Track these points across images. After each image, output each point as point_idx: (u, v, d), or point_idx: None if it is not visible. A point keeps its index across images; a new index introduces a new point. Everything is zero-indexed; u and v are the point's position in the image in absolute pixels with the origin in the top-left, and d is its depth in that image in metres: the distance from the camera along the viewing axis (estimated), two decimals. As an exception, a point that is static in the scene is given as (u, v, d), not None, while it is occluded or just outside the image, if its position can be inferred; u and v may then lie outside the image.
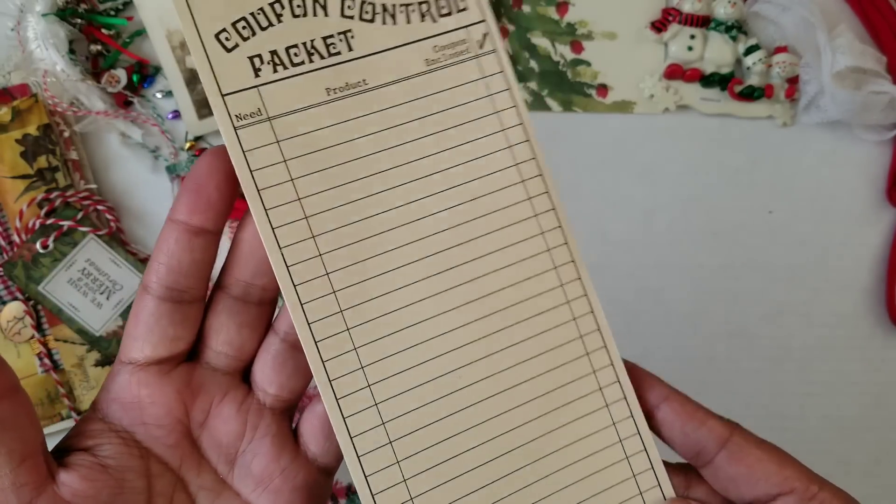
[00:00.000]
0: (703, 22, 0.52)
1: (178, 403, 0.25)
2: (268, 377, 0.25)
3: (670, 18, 0.52)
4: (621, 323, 0.55)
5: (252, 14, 0.23)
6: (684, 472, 0.28)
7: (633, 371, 0.27)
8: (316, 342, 0.23)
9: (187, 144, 0.49)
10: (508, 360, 0.25)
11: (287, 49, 0.23)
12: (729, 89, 0.52)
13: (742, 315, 0.54)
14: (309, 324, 0.23)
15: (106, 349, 0.46)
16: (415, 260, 0.24)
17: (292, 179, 0.23)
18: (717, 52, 0.52)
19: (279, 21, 0.23)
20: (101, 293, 0.47)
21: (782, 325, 0.53)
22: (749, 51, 0.52)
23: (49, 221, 0.46)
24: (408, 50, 0.24)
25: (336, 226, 0.23)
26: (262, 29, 0.23)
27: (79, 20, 0.48)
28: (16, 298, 0.46)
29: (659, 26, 0.52)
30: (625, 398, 0.26)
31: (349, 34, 0.23)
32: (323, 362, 0.23)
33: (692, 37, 0.52)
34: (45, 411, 0.46)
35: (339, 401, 0.23)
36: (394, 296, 0.24)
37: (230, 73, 0.22)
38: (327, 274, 0.23)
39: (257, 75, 0.23)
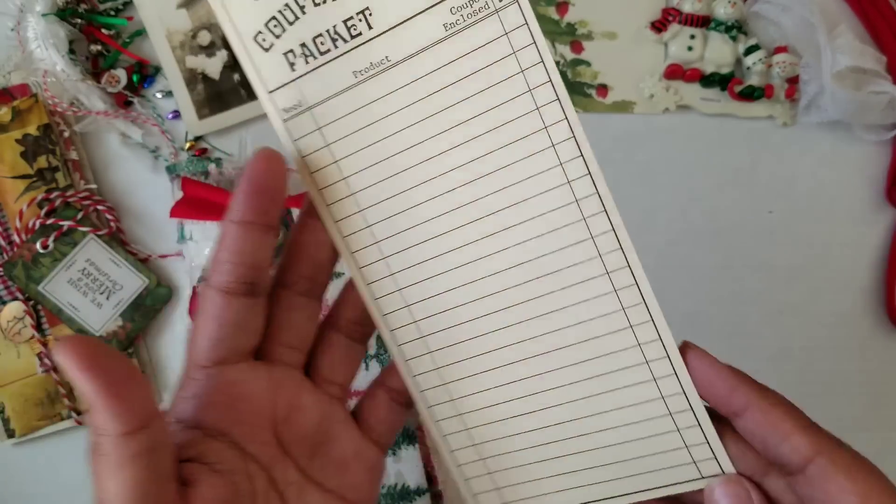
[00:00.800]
0: (703, 22, 0.52)
1: (267, 400, 0.25)
2: (336, 370, 0.27)
3: (670, 18, 0.52)
4: (621, 323, 0.55)
5: (279, 11, 0.24)
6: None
7: (713, 369, 0.27)
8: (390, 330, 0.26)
9: (187, 144, 0.49)
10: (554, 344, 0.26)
11: (314, 39, 0.24)
12: (729, 89, 0.52)
13: (742, 315, 0.53)
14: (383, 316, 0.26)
15: (106, 349, 0.46)
16: (455, 227, 0.25)
17: (336, 161, 0.24)
18: (717, 52, 0.52)
19: (303, 12, 0.24)
20: (101, 293, 0.47)
21: (782, 325, 0.53)
22: (749, 51, 0.52)
23: (49, 221, 0.46)
24: (425, 17, 0.23)
25: (380, 199, 0.25)
26: (290, 24, 0.24)
27: (79, 20, 0.48)
28: (16, 298, 0.46)
29: (659, 26, 0.52)
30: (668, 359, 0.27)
31: (367, 12, 0.24)
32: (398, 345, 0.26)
33: (692, 37, 0.52)
34: (45, 411, 0.46)
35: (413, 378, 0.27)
36: (435, 264, 0.25)
37: (271, 71, 0.24)
38: (377, 243, 0.25)
39: (293, 69, 0.24)
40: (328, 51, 0.24)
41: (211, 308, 0.24)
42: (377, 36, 0.24)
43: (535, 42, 0.23)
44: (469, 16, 0.23)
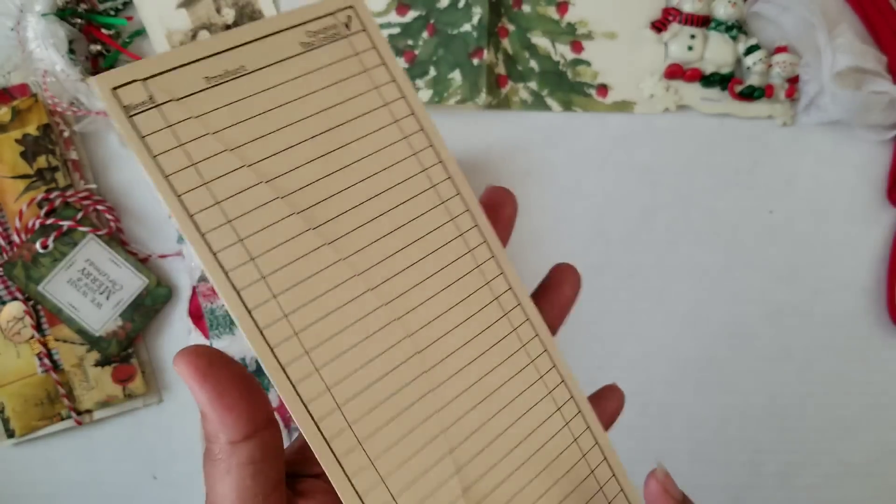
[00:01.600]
0: (703, 22, 0.52)
1: None
2: None
3: (670, 18, 0.52)
4: (622, 323, 0.56)
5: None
6: None
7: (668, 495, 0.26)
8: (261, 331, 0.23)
9: (187, 144, 0.49)
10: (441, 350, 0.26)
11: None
12: (729, 89, 0.52)
13: (742, 315, 0.53)
14: (250, 312, 0.23)
15: (105, 349, 0.46)
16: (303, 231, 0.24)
17: (194, 164, 0.23)
18: (717, 52, 0.52)
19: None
20: (101, 293, 0.47)
21: (782, 325, 0.53)
22: (749, 51, 0.52)
23: (49, 221, 0.45)
24: (282, 36, 0.25)
25: (238, 198, 0.23)
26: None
27: (78, 20, 0.48)
28: (15, 298, 0.46)
29: (659, 26, 0.52)
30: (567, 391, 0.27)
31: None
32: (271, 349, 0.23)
33: (692, 37, 0.52)
34: (44, 411, 0.46)
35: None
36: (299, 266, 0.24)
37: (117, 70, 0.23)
38: (241, 241, 0.23)
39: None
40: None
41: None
42: (233, 48, 0.24)
43: (385, 64, 0.26)
44: (323, 39, 0.26)
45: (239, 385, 0.22)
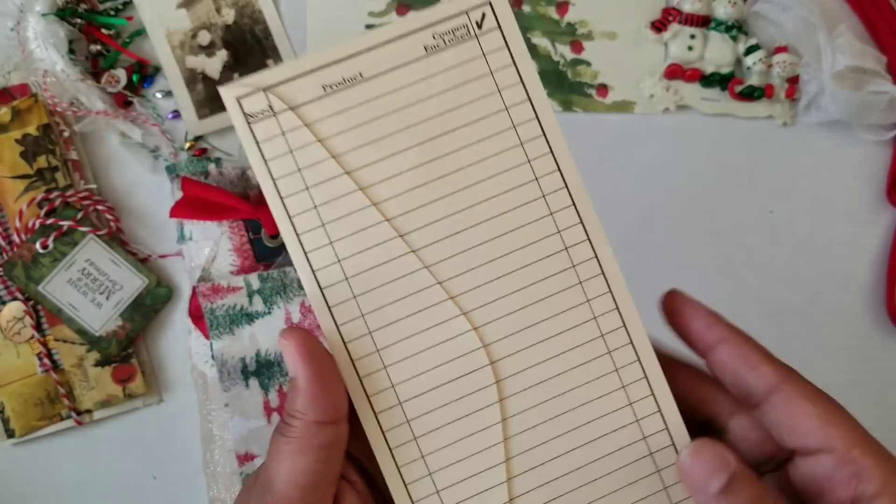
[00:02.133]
0: (703, 22, 0.52)
1: None
2: None
3: (670, 18, 0.52)
4: (621, 323, 0.55)
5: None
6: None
7: (692, 307, 0.28)
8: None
9: (187, 144, 0.49)
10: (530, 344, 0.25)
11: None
12: (729, 89, 0.52)
13: (742, 315, 0.53)
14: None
15: (105, 349, 0.46)
16: (418, 227, 0.25)
17: (300, 170, 0.24)
18: (717, 52, 0.52)
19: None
20: (101, 293, 0.47)
21: (782, 325, 0.53)
22: (749, 51, 0.52)
23: (49, 221, 0.45)
24: (406, 40, 0.24)
25: (340, 209, 0.24)
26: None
27: (78, 20, 0.48)
28: (15, 298, 0.46)
29: (659, 26, 0.52)
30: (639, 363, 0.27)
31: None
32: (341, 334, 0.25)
33: (692, 37, 0.52)
34: (44, 411, 0.46)
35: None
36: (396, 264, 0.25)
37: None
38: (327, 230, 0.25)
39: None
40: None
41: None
42: (353, 55, 0.24)
43: (514, 63, 0.25)
44: (449, 40, 0.24)
45: (335, 373, 0.23)
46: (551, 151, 0.26)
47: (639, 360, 0.26)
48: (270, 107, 0.24)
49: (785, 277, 0.53)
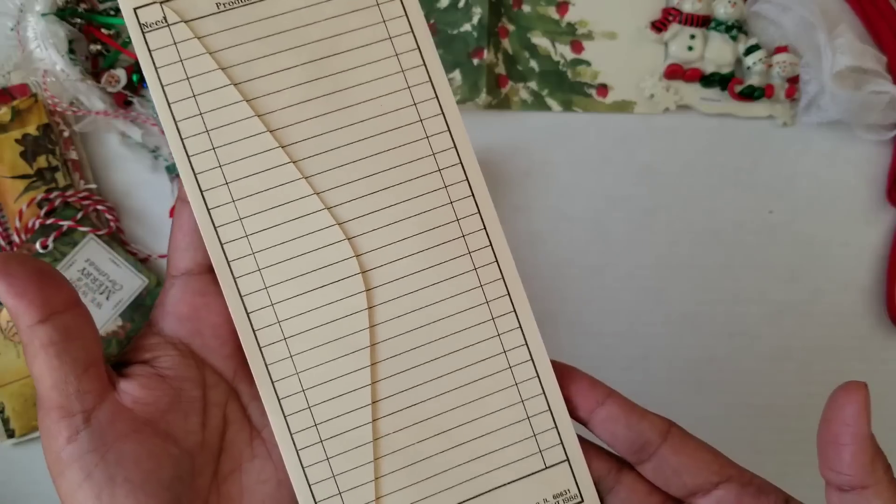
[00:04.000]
0: (703, 22, 0.52)
1: None
2: None
3: (670, 18, 0.52)
4: (621, 323, 0.56)
5: None
6: (615, 463, 0.28)
7: (574, 374, 0.28)
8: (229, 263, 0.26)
9: (187, 144, 0.49)
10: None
11: None
12: (729, 89, 0.52)
13: (742, 315, 0.53)
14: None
15: (105, 349, 0.46)
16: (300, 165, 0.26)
17: (188, 78, 0.26)
18: (717, 52, 0.52)
19: None
20: (101, 293, 0.47)
21: (782, 325, 0.53)
22: (749, 51, 0.52)
23: (49, 221, 0.45)
24: None
25: (229, 119, 0.26)
26: None
27: (78, 20, 0.48)
28: (15, 298, 0.46)
29: (659, 26, 0.52)
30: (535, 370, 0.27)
31: None
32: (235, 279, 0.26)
33: (692, 37, 0.52)
34: (44, 411, 0.46)
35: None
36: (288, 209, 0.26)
37: None
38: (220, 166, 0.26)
39: None
40: None
41: (179, 219, 0.26)
42: None
43: (406, 14, 0.26)
44: None
45: (31, 276, 0.23)
46: (430, 80, 0.26)
47: (503, 278, 0.27)
48: (164, 18, 0.25)
49: (785, 277, 0.53)
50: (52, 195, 0.46)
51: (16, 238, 0.46)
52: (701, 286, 0.53)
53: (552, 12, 0.52)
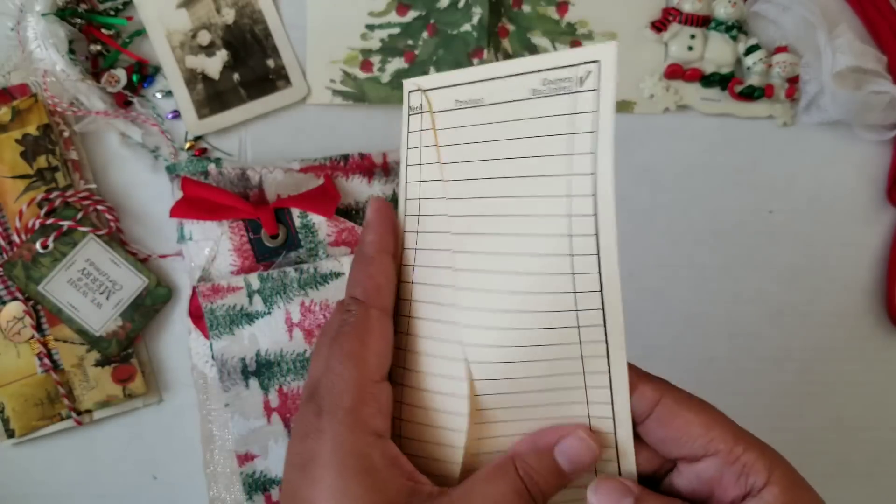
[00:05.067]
0: (703, 22, 0.52)
1: None
2: None
3: (670, 18, 0.52)
4: (621, 323, 0.55)
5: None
6: None
7: None
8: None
9: (187, 144, 0.49)
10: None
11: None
12: (729, 89, 0.52)
13: (742, 315, 0.53)
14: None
15: (105, 349, 0.46)
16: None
17: (420, 147, 0.30)
18: (717, 52, 0.52)
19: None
20: (101, 293, 0.47)
21: (782, 325, 0.53)
22: (749, 51, 0.52)
23: (49, 221, 0.45)
24: (522, 78, 0.27)
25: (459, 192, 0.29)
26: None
27: (78, 20, 0.48)
28: (15, 298, 0.46)
29: (659, 26, 0.52)
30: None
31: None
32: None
33: (692, 37, 0.52)
34: (44, 411, 0.46)
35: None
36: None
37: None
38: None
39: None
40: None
41: (380, 328, 0.29)
42: (482, 80, 0.28)
43: (596, 130, 0.27)
44: (553, 89, 0.26)
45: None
46: (598, 252, 0.27)
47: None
48: (421, 105, 0.30)
49: (785, 277, 0.53)
50: (53, 195, 0.46)
51: (16, 238, 0.46)
52: (701, 286, 0.53)
53: (552, 12, 0.52)
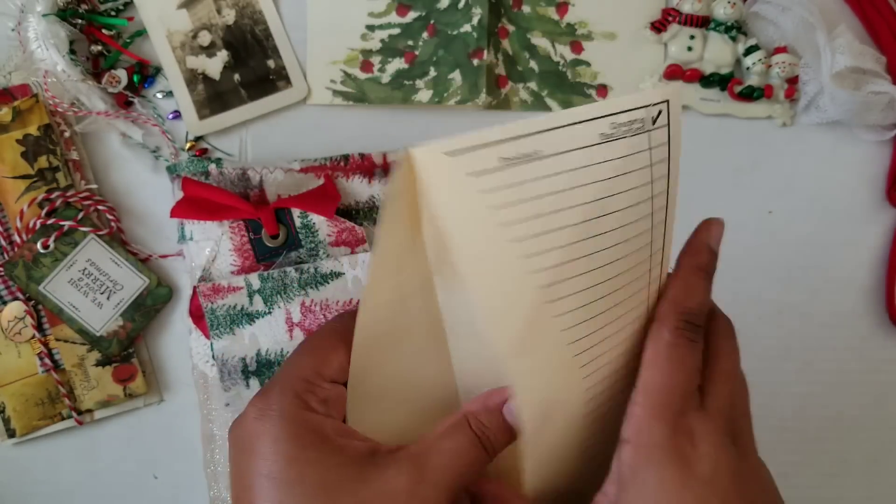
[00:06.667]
0: (702, 22, 0.52)
1: None
2: None
3: (670, 19, 0.52)
4: (621, 323, 0.55)
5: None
6: None
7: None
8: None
9: (188, 144, 0.49)
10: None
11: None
12: (729, 89, 0.52)
13: (742, 315, 0.53)
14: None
15: (106, 349, 0.47)
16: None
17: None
18: (716, 53, 0.52)
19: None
20: (102, 293, 0.47)
21: (782, 325, 0.53)
22: (749, 51, 0.52)
23: (50, 221, 0.46)
24: (585, 126, 0.26)
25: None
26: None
27: (79, 20, 0.48)
28: (16, 298, 0.46)
29: (659, 26, 0.52)
30: None
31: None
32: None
33: (692, 37, 0.52)
34: (45, 411, 0.46)
35: None
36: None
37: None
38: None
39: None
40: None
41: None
42: (535, 133, 0.25)
43: (668, 158, 0.27)
44: (625, 131, 0.26)
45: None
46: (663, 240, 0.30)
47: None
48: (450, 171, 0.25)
49: (785, 277, 0.53)
50: (53, 195, 0.46)
51: (17, 238, 0.46)
52: (701, 286, 0.53)
53: (552, 13, 0.52)
